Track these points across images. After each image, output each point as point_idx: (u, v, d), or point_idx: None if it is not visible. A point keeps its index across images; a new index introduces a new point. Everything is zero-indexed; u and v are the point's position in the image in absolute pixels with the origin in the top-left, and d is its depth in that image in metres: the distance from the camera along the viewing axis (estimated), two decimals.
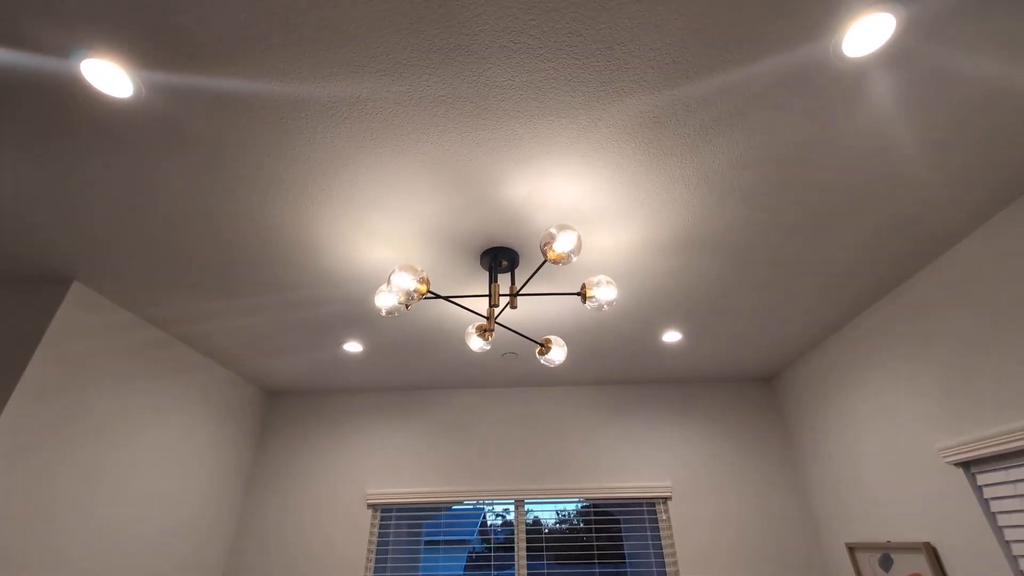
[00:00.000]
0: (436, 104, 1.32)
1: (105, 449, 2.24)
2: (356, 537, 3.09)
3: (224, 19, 1.09)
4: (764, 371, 3.35)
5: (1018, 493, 1.79)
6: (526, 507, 3.17)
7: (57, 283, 2.07)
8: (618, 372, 3.29)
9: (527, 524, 3.13)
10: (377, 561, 3.08)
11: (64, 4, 1.06)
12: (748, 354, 3.03)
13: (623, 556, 3.04)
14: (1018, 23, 1.14)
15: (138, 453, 2.42)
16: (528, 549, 3.05)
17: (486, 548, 3.11)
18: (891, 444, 2.38)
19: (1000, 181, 1.64)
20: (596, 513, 3.16)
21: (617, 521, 3.16)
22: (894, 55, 1.21)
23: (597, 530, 3.11)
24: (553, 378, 3.39)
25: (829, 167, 1.57)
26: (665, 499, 3.11)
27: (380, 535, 3.16)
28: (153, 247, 1.89)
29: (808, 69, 1.24)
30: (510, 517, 3.17)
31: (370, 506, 3.17)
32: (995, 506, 1.87)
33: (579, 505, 3.19)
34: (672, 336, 2.76)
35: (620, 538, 3.10)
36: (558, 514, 3.21)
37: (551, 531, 3.14)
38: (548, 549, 3.06)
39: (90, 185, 1.58)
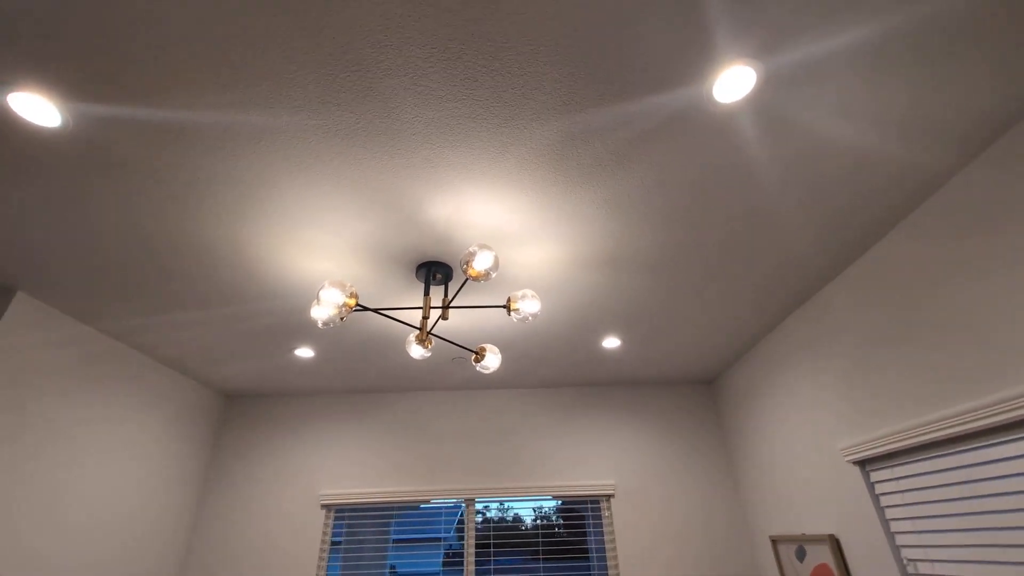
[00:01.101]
0: (352, 135, 1.42)
1: (59, 455, 2.29)
2: (309, 536, 3.17)
3: (148, 57, 1.18)
4: (705, 374, 3.53)
5: (900, 489, 1.98)
6: (481, 505, 3.29)
7: (2, 291, 2.11)
8: (563, 376, 3.44)
9: (492, 522, 3.25)
10: (331, 560, 3.17)
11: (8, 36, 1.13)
12: (687, 359, 3.21)
13: (570, 552, 3.19)
14: (849, 89, 1.30)
15: (88, 456, 2.47)
16: (480, 546, 3.17)
17: (452, 545, 3.23)
18: (803, 444, 2.57)
19: (860, 227, 1.81)
20: (544, 512, 3.30)
21: (563, 519, 3.30)
22: (757, 104, 1.35)
23: (544, 528, 3.25)
24: (502, 381, 3.52)
25: (725, 195, 1.71)
26: (608, 496, 3.27)
27: (334, 535, 3.25)
28: (90, 262, 1.95)
29: (688, 110, 1.38)
30: (481, 516, 3.29)
31: (323, 506, 3.26)
32: (884, 500, 2.06)
33: (531, 504, 3.33)
34: (612, 342, 2.91)
35: (565, 535, 3.25)
36: (508, 513, 3.34)
37: (501, 528, 3.27)
38: (499, 546, 3.19)
39: (25, 205, 1.64)
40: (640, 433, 3.48)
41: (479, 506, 3.30)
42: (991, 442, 1.59)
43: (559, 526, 3.27)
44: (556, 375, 3.43)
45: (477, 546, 3.18)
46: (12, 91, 1.24)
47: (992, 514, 1.59)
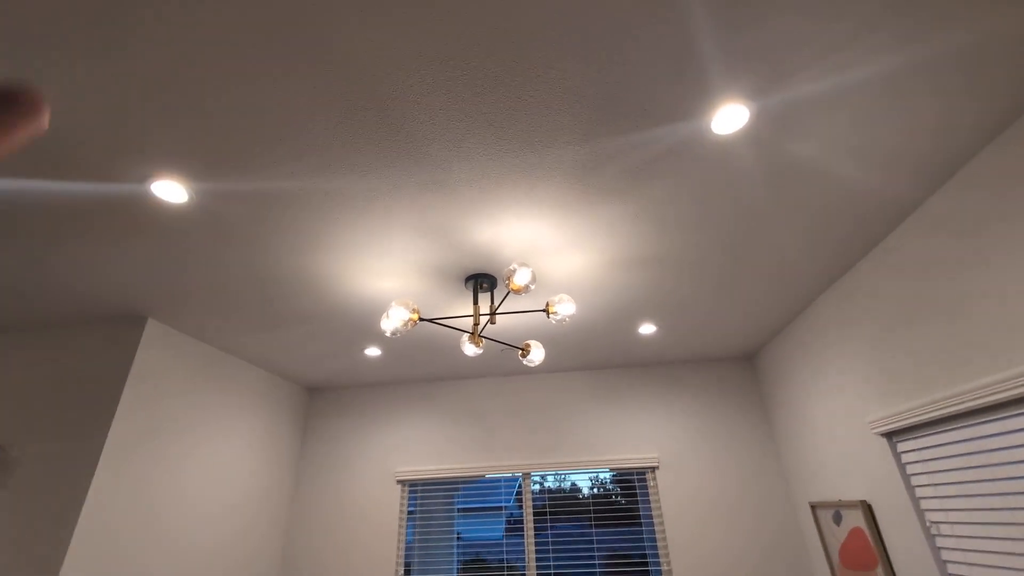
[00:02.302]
0: (409, 187, 1.71)
1: (185, 448, 2.82)
2: (389, 508, 3.66)
3: (249, 142, 1.52)
4: (744, 351, 3.67)
5: (923, 459, 2.12)
6: (537, 476, 3.65)
7: (135, 320, 2.61)
8: (606, 359, 3.69)
9: (548, 493, 3.61)
10: (408, 527, 3.65)
11: (142, 147, 1.50)
12: (722, 338, 3.37)
13: (620, 519, 3.50)
14: (827, 126, 1.44)
15: (211, 448, 3.00)
16: (537, 514, 3.55)
17: (513, 514, 3.63)
18: (836, 417, 2.71)
19: (837, 244, 1.92)
20: (596, 483, 3.62)
21: (613, 489, 3.61)
22: (750, 135, 1.52)
23: (596, 497, 3.57)
24: (548, 366, 3.82)
25: (731, 205, 1.88)
26: (653, 468, 3.54)
27: (410, 506, 3.72)
28: (205, 294, 2.39)
29: (691, 140, 1.57)
30: (538, 486, 3.67)
31: (398, 482, 3.73)
32: (909, 469, 2.21)
33: (582, 476, 3.65)
34: (647, 328, 3.13)
35: (615, 504, 3.56)
36: (563, 483, 3.68)
37: (557, 498, 3.62)
38: (555, 514, 3.55)
39: (155, 259, 2.06)
40: (681, 408, 3.69)
41: (535, 478, 3.65)
42: (1005, 415, 1.72)
43: (609, 496, 3.58)
44: (598, 359, 3.69)
45: (535, 514, 3.55)
46: (154, 181, 1.62)
47: (1007, 480, 1.73)
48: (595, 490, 3.61)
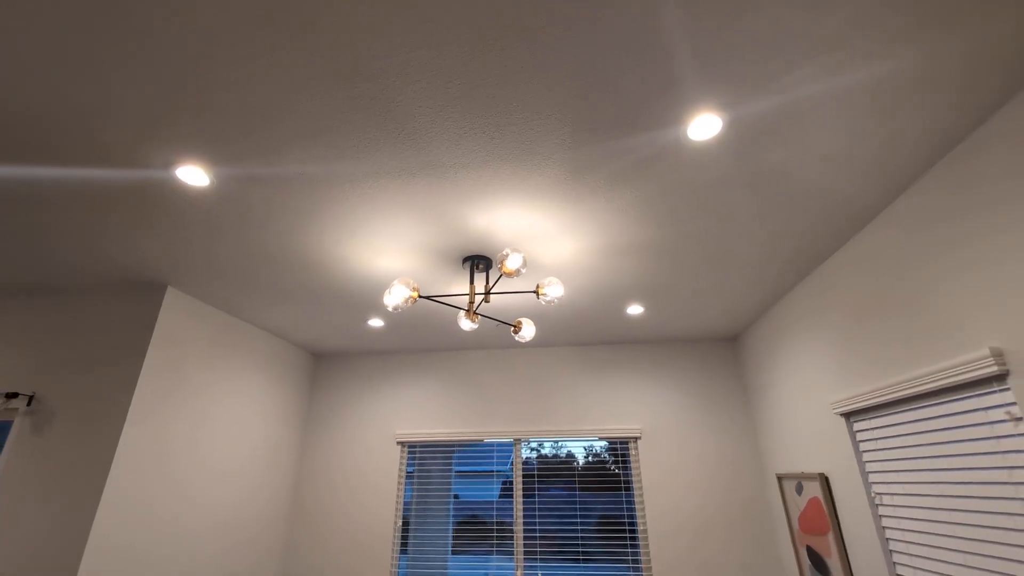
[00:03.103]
0: (411, 175, 1.87)
1: (202, 406, 3.07)
2: (388, 467, 3.95)
3: (268, 131, 1.67)
4: (728, 332, 3.87)
5: (873, 437, 2.33)
6: (532, 443, 3.92)
7: (156, 288, 2.81)
8: (595, 336, 3.90)
9: (539, 459, 3.89)
10: (407, 486, 3.95)
11: (168, 138, 1.66)
12: (705, 320, 3.55)
13: (602, 485, 3.78)
14: (796, 136, 1.57)
15: (224, 407, 3.26)
16: (527, 478, 3.83)
17: (508, 477, 3.91)
18: (804, 397, 2.92)
19: (809, 240, 2.06)
20: (581, 450, 3.88)
21: (597, 457, 3.88)
22: (725, 143, 1.66)
23: (581, 465, 3.84)
24: (541, 341, 4.03)
25: (710, 201, 2.03)
26: (636, 439, 3.79)
27: (408, 466, 4.01)
28: (221, 266, 2.58)
29: (670, 145, 1.71)
30: (534, 453, 3.94)
31: (398, 443, 4.01)
32: (862, 447, 2.43)
33: (570, 443, 3.91)
34: (635, 309, 3.31)
35: (598, 470, 3.83)
36: (551, 450, 3.95)
37: (545, 463, 3.90)
38: (543, 479, 3.83)
39: (178, 236, 2.24)
40: (666, 384, 3.92)
41: (532, 444, 3.92)
42: (939, 401, 1.92)
43: (596, 463, 3.85)
44: (589, 336, 3.89)
45: (525, 478, 3.83)
46: (178, 167, 1.78)
47: (936, 458, 1.94)
48: (586, 458, 3.88)
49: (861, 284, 2.34)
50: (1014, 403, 1.59)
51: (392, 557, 3.72)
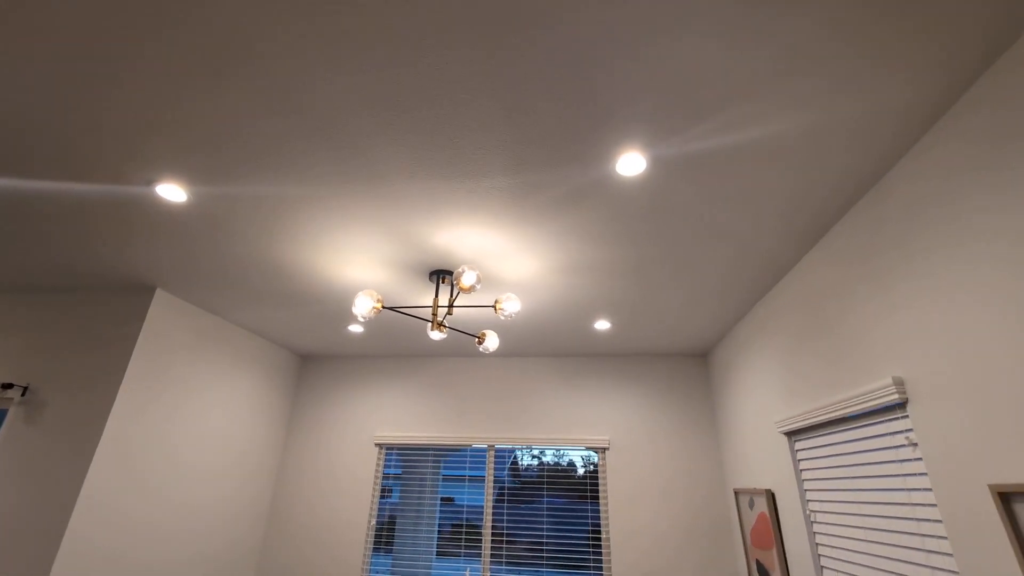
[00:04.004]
0: (375, 199, 2.03)
1: (188, 405, 3.25)
2: (367, 467, 4.10)
3: (238, 152, 1.84)
4: (698, 348, 3.98)
5: (809, 456, 2.44)
6: (507, 449, 4.05)
7: (146, 290, 3.00)
8: (566, 348, 4.03)
9: (515, 466, 4.02)
10: (383, 486, 4.09)
11: (148, 158, 1.84)
12: (672, 336, 3.67)
13: (569, 492, 3.89)
14: (711, 177, 1.71)
15: (207, 404, 3.43)
16: (498, 483, 3.95)
17: (507, 484, 4.05)
18: (756, 416, 3.03)
19: (754, 268, 2.18)
20: (552, 458, 4.01)
21: (567, 465, 3.99)
22: (647, 179, 1.81)
23: (549, 470, 3.96)
24: (515, 350, 4.17)
25: (645, 227, 2.17)
26: (603, 449, 3.91)
27: (387, 468, 4.16)
28: (207, 271, 2.76)
29: (602, 178, 1.85)
30: (506, 458, 4.07)
31: (376, 444, 4.17)
32: (802, 464, 2.53)
33: (541, 451, 4.04)
34: (602, 324, 3.45)
35: (566, 478, 3.94)
36: (523, 458, 4.08)
37: (516, 471, 4.02)
38: (513, 486, 3.95)
39: (160, 245, 2.42)
40: (635, 397, 4.04)
41: (513, 451, 4.05)
42: (858, 425, 2.03)
43: (562, 470, 3.97)
44: (560, 348, 4.02)
45: (495, 483, 3.96)
46: (158, 184, 1.96)
47: (856, 479, 2.05)
48: (555, 467, 4.00)
49: (799, 311, 2.46)
50: (911, 429, 1.71)
51: (364, 556, 3.86)
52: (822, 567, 2.34)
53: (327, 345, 4.21)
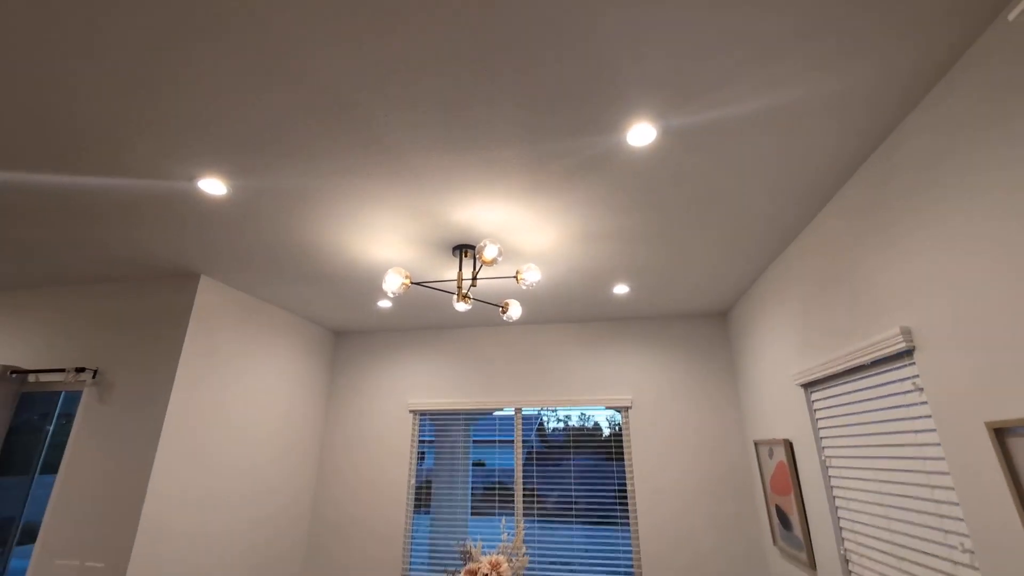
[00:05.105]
0: (399, 183, 2.15)
1: (236, 379, 3.52)
2: (403, 434, 4.38)
3: (276, 147, 1.98)
4: (717, 308, 4.05)
5: (825, 406, 2.55)
6: (533, 411, 4.27)
7: (191, 276, 3.23)
8: (588, 314, 4.16)
9: (542, 428, 4.24)
10: (418, 451, 4.38)
11: (195, 154, 1.99)
12: (691, 298, 3.76)
13: (596, 451, 4.10)
14: (717, 146, 1.76)
15: (254, 379, 3.71)
16: (526, 443, 4.18)
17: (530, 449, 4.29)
18: (774, 369, 3.13)
19: (770, 227, 2.22)
20: (577, 419, 4.20)
21: (592, 425, 4.19)
22: (658, 148, 1.87)
23: (576, 436, 4.17)
24: (538, 318, 4.32)
25: (662, 194, 2.24)
26: (626, 408, 4.08)
27: (421, 433, 4.43)
28: (246, 257, 2.96)
29: (613, 147, 1.93)
30: (535, 423, 4.29)
31: (411, 411, 4.43)
32: (818, 414, 2.64)
33: (567, 412, 4.23)
34: (621, 289, 3.55)
35: (592, 438, 4.14)
36: (556, 421, 4.29)
37: (544, 433, 4.24)
38: (541, 449, 4.18)
39: (205, 236, 2.61)
40: (655, 357, 4.16)
41: (540, 414, 4.27)
42: (868, 374, 2.12)
43: (588, 432, 4.17)
44: (581, 314, 4.15)
45: (524, 444, 4.18)
46: (200, 179, 2.12)
47: (867, 424, 2.15)
48: (582, 428, 4.20)
49: (814, 267, 2.51)
50: (917, 375, 1.79)
51: (407, 513, 4.18)
52: (836, 507, 2.48)
53: (359, 320, 4.43)
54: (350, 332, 4.85)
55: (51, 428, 3.29)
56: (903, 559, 1.94)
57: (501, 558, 2.59)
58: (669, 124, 1.77)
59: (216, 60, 1.50)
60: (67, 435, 3.05)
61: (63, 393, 3.34)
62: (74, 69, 1.53)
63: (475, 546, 2.74)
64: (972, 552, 1.58)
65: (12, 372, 3.11)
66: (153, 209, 2.40)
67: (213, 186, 2.18)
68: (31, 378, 3.23)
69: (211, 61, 1.51)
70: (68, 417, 3.24)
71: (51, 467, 3.18)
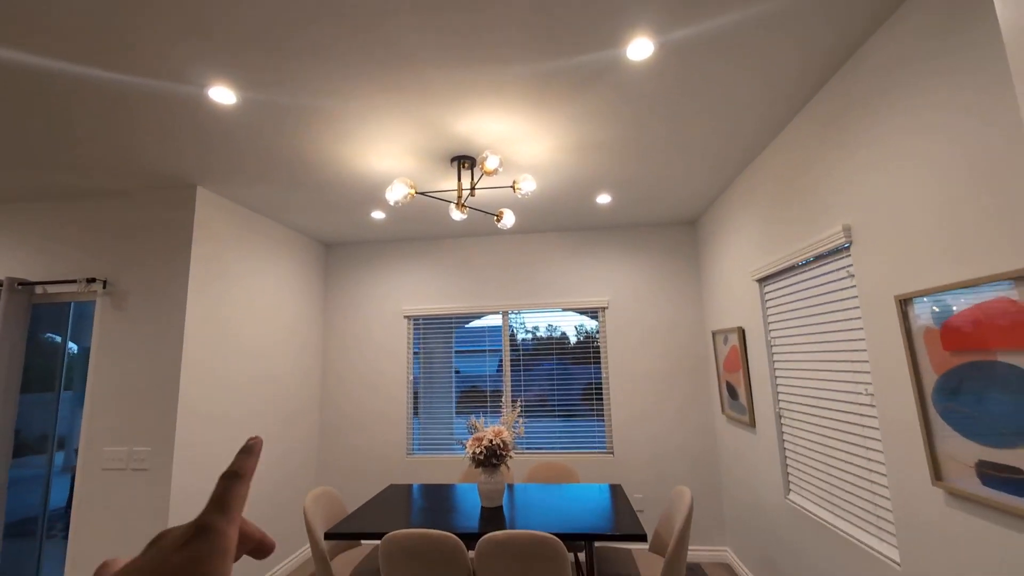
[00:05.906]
0: (404, 88, 2.26)
1: (241, 289, 3.70)
2: (398, 337, 4.75)
3: (288, 61, 2.04)
4: (688, 216, 4.41)
5: (774, 297, 3.01)
6: (520, 322, 4.68)
7: (188, 187, 3.27)
8: (571, 222, 4.44)
9: (527, 335, 4.67)
10: (413, 353, 4.78)
11: (205, 61, 2.03)
12: (667, 205, 4.08)
13: (575, 353, 4.60)
14: (710, 60, 1.95)
15: (255, 291, 3.90)
16: (513, 349, 4.64)
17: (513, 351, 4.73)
18: (735, 268, 3.58)
19: (742, 140, 2.47)
20: (560, 332, 4.65)
21: (571, 329, 4.66)
22: (657, 62, 2.05)
23: (558, 342, 4.63)
24: (524, 227, 4.59)
25: (656, 109, 2.44)
26: (603, 308, 4.54)
27: (414, 336, 4.81)
28: (241, 165, 3.02)
29: (614, 62, 2.09)
30: (520, 330, 4.70)
31: (405, 317, 4.77)
32: (767, 305, 3.12)
33: (549, 315, 4.67)
34: (604, 198, 3.82)
35: (572, 340, 4.63)
36: (535, 325, 4.72)
37: (532, 339, 4.69)
38: (528, 350, 4.64)
39: (208, 142, 2.65)
40: (631, 262, 4.57)
41: (522, 323, 4.68)
42: (813, 268, 2.54)
43: (567, 340, 4.64)
44: (566, 222, 4.44)
45: (511, 351, 4.64)
46: (211, 87, 2.16)
47: (810, 308, 2.62)
48: (563, 334, 4.66)
49: (777, 177, 2.84)
50: (851, 265, 2.21)
51: (407, 410, 4.68)
52: (776, 377, 3.05)
53: (350, 232, 4.57)
54: (341, 244, 5.00)
55: (67, 341, 3.44)
56: (822, 407, 2.50)
57: (502, 427, 3.08)
58: (665, 38, 1.93)
59: None
60: (84, 345, 3.23)
61: (72, 304, 3.46)
62: None
63: (478, 420, 3.21)
64: (872, 395, 2.09)
65: (19, 284, 3.19)
66: (155, 112, 2.42)
67: (222, 95, 2.22)
68: (38, 290, 3.32)
69: None
70: (80, 330, 3.40)
71: (70, 382, 3.39)
